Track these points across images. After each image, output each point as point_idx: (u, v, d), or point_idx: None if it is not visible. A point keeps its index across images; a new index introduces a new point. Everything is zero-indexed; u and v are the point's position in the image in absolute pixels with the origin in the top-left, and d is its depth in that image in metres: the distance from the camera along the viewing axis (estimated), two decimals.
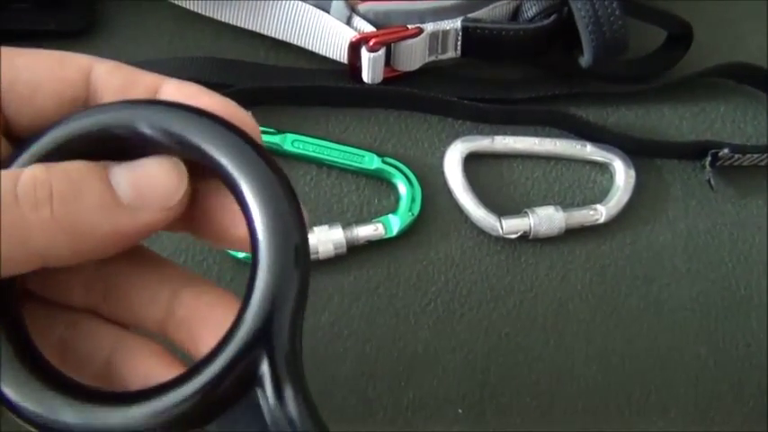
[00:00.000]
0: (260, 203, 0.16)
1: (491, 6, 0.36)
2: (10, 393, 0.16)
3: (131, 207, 0.17)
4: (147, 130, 0.16)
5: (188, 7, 0.36)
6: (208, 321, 0.18)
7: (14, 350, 0.16)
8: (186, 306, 0.19)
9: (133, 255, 0.19)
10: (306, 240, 0.16)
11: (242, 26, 0.37)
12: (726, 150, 0.37)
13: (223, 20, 0.37)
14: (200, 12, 0.36)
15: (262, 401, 0.16)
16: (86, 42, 0.37)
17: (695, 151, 0.38)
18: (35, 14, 0.36)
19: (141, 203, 0.17)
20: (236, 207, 0.17)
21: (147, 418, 0.15)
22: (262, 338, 0.16)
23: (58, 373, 0.16)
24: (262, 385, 0.16)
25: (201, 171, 0.17)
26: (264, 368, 0.16)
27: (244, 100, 0.37)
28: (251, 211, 0.16)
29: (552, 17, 0.35)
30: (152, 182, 0.17)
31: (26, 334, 0.17)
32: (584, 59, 0.36)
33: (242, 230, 0.17)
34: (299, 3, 0.36)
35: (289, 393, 0.16)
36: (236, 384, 0.16)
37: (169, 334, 0.19)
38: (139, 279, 0.19)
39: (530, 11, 0.36)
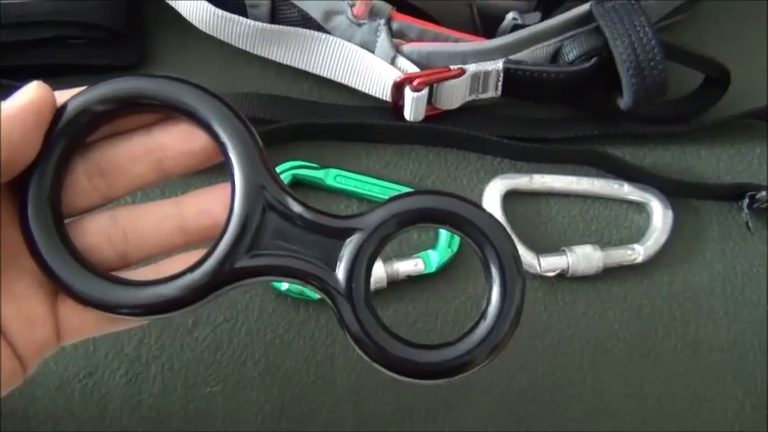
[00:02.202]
0: (230, 138, 0.21)
1: (532, 48, 0.37)
2: (73, 284, 0.20)
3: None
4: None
5: (236, 45, 0.37)
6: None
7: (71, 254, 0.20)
8: None
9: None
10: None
11: (288, 64, 0.38)
12: (764, 193, 0.37)
13: (270, 57, 0.38)
14: (246, 49, 0.38)
15: None
16: None
17: (732, 193, 0.39)
18: (91, 50, 0.37)
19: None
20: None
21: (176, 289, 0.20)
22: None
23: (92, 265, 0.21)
24: None
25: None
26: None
27: (288, 135, 0.39)
28: (227, 147, 0.21)
29: (593, 60, 0.36)
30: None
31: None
32: (624, 102, 0.36)
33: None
34: (345, 42, 0.37)
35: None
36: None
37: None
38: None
39: (571, 54, 0.36)
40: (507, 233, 0.22)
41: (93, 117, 0.21)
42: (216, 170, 0.24)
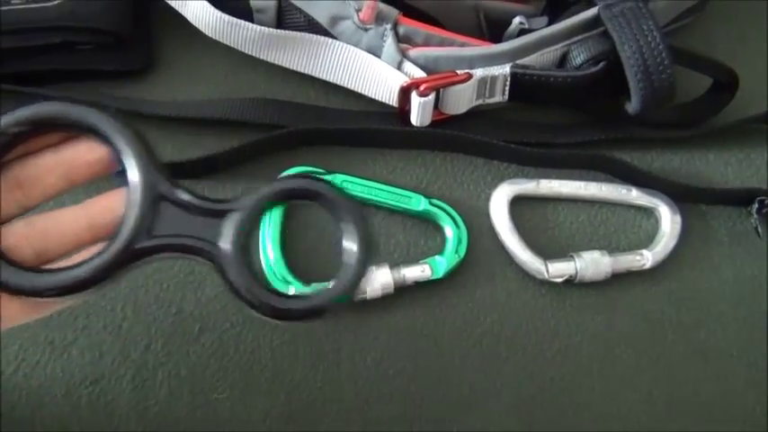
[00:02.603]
0: (125, 146, 0.25)
1: (539, 53, 0.37)
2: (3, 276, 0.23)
3: None
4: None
5: (243, 50, 0.37)
6: None
7: None
8: None
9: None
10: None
11: (294, 69, 0.38)
12: None
13: (276, 62, 0.38)
14: (253, 54, 0.37)
15: None
16: (145, 81, 0.39)
17: (741, 198, 0.39)
18: (98, 55, 0.37)
19: None
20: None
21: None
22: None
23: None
24: None
25: None
26: None
27: (294, 141, 0.38)
28: (122, 154, 0.25)
29: (600, 65, 0.36)
30: None
31: None
32: (632, 106, 0.36)
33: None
34: (351, 47, 0.36)
35: None
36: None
37: None
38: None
39: (578, 58, 0.36)
40: (353, 201, 0.27)
41: (10, 138, 0.25)
42: None
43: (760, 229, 0.37)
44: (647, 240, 0.38)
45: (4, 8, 0.36)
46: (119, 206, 0.25)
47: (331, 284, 0.26)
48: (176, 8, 0.37)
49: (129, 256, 0.24)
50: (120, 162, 0.25)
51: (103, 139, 0.25)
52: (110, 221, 0.25)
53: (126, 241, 0.24)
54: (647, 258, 0.37)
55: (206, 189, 0.37)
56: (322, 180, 0.27)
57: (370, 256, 0.26)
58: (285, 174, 0.36)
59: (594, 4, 0.36)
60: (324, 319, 0.26)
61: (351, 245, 0.26)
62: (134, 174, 0.24)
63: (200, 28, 0.37)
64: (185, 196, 0.25)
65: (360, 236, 0.26)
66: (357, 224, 0.26)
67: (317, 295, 0.26)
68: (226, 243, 0.25)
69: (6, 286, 0.24)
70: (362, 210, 0.27)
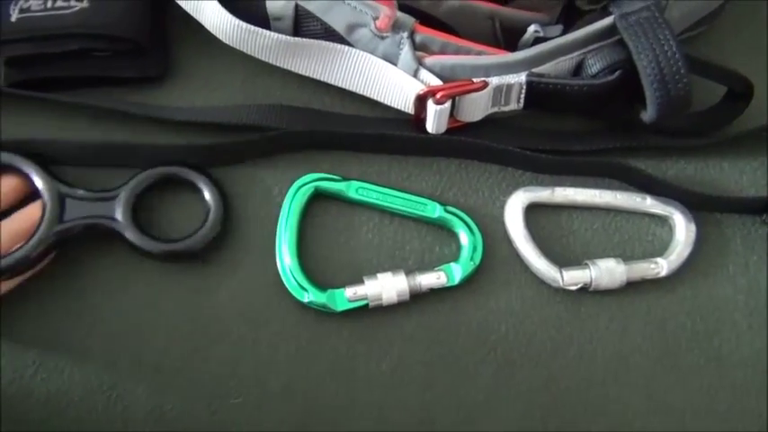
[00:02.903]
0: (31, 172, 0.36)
1: (555, 61, 0.37)
2: None
3: None
4: None
5: (259, 58, 0.37)
6: None
7: None
8: None
9: None
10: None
11: (311, 76, 0.38)
12: None
13: (292, 70, 0.38)
14: (269, 61, 0.38)
15: None
16: (162, 88, 0.39)
17: (756, 206, 0.39)
18: (115, 62, 0.38)
19: None
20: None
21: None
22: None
23: None
24: None
25: None
26: None
27: (309, 140, 0.39)
28: (32, 177, 0.36)
29: (616, 73, 0.36)
30: None
31: None
32: (648, 115, 0.36)
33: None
34: (368, 55, 0.37)
35: None
36: None
37: None
38: None
39: (594, 67, 0.36)
40: (210, 180, 0.37)
41: None
42: None
43: None
44: (662, 248, 0.38)
45: (23, 15, 0.36)
46: (35, 213, 0.35)
47: (199, 233, 0.36)
48: (193, 15, 0.37)
49: (51, 239, 0.35)
50: (32, 182, 0.36)
51: (19, 171, 0.36)
52: (32, 225, 0.34)
53: (45, 227, 0.35)
54: (661, 266, 0.37)
55: (222, 180, 0.37)
56: (188, 166, 0.37)
57: (221, 218, 0.36)
58: (298, 182, 0.37)
59: (610, 14, 0.36)
60: (193, 261, 0.36)
61: (212, 210, 0.36)
62: (41, 185, 0.35)
63: (216, 35, 0.37)
64: (81, 192, 0.36)
65: (216, 205, 0.36)
66: (214, 196, 0.36)
67: (188, 240, 0.36)
68: (119, 215, 0.35)
69: None
70: (217, 188, 0.36)
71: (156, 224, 0.37)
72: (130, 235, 0.35)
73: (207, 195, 0.36)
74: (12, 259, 0.34)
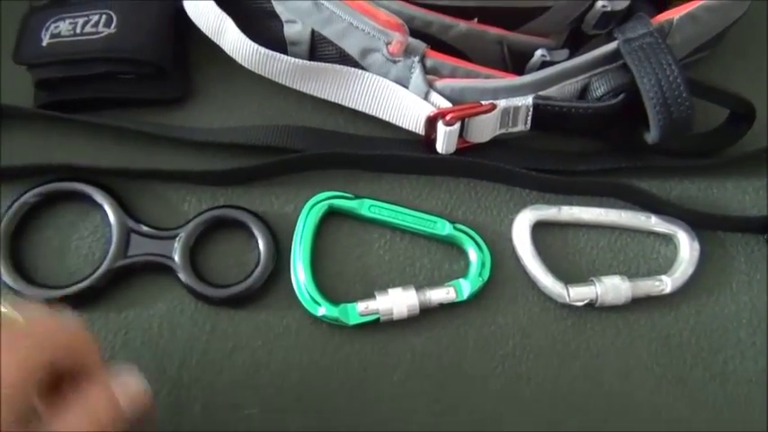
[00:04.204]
0: (107, 203, 0.38)
1: (561, 85, 0.38)
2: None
3: None
4: None
5: (277, 81, 0.39)
6: None
7: None
8: None
9: None
10: None
11: (325, 98, 0.40)
12: None
13: (308, 92, 0.39)
14: (286, 84, 0.39)
15: None
16: (183, 109, 0.41)
17: (759, 225, 0.39)
18: (139, 85, 0.40)
19: None
20: None
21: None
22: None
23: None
24: None
25: None
26: None
27: (324, 162, 0.40)
28: (104, 207, 0.38)
29: (620, 97, 0.37)
30: None
31: None
32: (651, 136, 0.37)
33: None
34: (380, 78, 0.38)
35: None
36: None
37: None
38: None
39: (598, 90, 0.38)
40: (264, 223, 0.38)
41: (30, 207, 0.37)
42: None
43: None
44: (667, 266, 0.39)
45: (53, 40, 0.38)
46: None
47: (250, 280, 0.37)
48: (214, 40, 0.39)
49: (114, 272, 0.36)
50: (104, 213, 0.37)
51: (92, 200, 0.38)
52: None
53: (110, 260, 0.36)
54: (666, 284, 0.38)
55: (240, 198, 0.39)
56: (240, 208, 0.38)
57: (273, 261, 0.37)
58: (312, 200, 0.38)
59: (614, 39, 0.38)
60: (243, 306, 0.37)
61: (263, 252, 0.37)
62: (112, 219, 0.37)
63: (236, 59, 0.38)
64: (146, 229, 0.37)
65: (266, 246, 0.37)
66: (266, 238, 0.37)
67: (236, 287, 0.37)
68: (177, 255, 0.37)
69: (27, 298, 0.35)
70: (269, 230, 0.38)
71: (209, 263, 0.38)
72: (184, 277, 0.36)
73: (260, 243, 0.37)
74: (79, 288, 0.36)
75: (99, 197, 0.37)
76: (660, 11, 0.39)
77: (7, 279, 0.36)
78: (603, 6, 0.39)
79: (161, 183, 0.39)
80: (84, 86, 0.39)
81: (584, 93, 0.39)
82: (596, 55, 0.38)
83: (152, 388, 0.35)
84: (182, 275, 0.36)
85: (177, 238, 0.37)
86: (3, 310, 0.26)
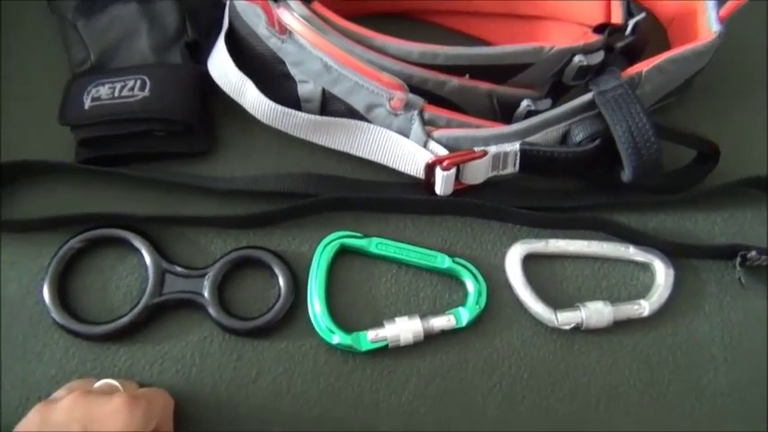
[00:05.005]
0: (143, 246, 0.43)
1: (544, 132, 0.42)
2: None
3: None
4: None
5: (291, 133, 0.44)
6: None
7: None
8: None
9: None
10: None
11: (335, 148, 0.44)
12: (753, 252, 0.42)
13: (319, 143, 0.44)
14: (301, 137, 0.44)
15: None
16: (208, 161, 0.45)
17: (727, 253, 0.44)
18: (169, 140, 0.44)
19: None
20: None
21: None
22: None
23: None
24: None
25: None
26: None
27: (335, 205, 0.45)
28: (141, 250, 0.43)
29: (597, 141, 0.41)
30: None
31: None
32: (626, 176, 0.42)
33: None
34: (384, 129, 0.43)
35: None
36: None
37: None
38: None
39: (577, 136, 0.42)
40: (284, 262, 0.42)
41: (75, 252, 0.42)
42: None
43: (743, 280, 0.42)
44: (645, 291, 0.43)
45: (94, 103, 0.43)
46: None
47: (271, 313, 0.41)
48: (235, 99, 0.43)
49: (151, 309, 0.41)
50: (141, 256, 0.42)
51: (130, 244, 0.42)
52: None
53: (147, 298, 0.41)
54: (644, 307, 0.42)
55: (261, 239, 0.43)
56: (261, 248, 0.43)
57: (292, 295, 0.41)
58: (325, 240, 0.43)
59: (590, 90, 0.42)
60: (266, 336, 0.41)
61: (282, 288, 0.41)
62: (149, 262, 0.41)
63: (255, 115, 0.43)
64: (179, 269, 0.42)
65: (286, 282, 0.41)
66: (285, 275, 0.42)
67: (259, 319, 0.41)
68: (206, 292, 0.41)
69: (75, 333, 0.40)
70: (288, 268, 0.42)
71: (235, 298, 0.42)
72: (213, 311, 0.40)
73: (281, 279, 0.41)
74: (120, 324, 0.40)
75: (136, 241, 0.42)
76: (632, 63, 0.44)
77: (56, 316, 0.40)
78: (580, 61, 0.43)
79: (191, 227, 0.43)
80: (121, 143, 0.43)
81: (565, 138, 0.43)
82: (574, 105, 0.42)
83: (185, 410, 0.39)
84: (211, 310, 0.40)
85: (206, 277, 0.41)
86: (113, 382, 0.36)
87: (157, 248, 0.42)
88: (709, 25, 0.45)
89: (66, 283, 0.42)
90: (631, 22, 0.45)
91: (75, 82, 0.44)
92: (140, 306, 0.40)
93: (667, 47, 0.49)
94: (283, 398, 0.40)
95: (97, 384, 0.36)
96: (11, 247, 0.42)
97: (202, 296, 0.41)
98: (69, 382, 0.37)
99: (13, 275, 0.42)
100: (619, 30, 0.45)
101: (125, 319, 0.40)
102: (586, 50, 0.44)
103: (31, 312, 0.41)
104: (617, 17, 0.46)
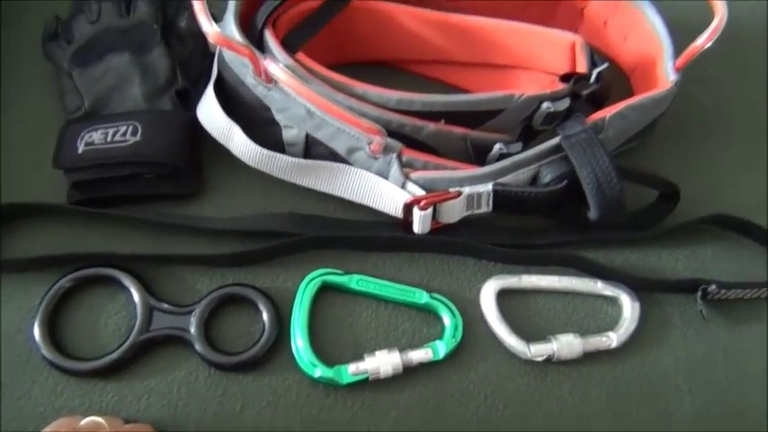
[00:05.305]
0: (132, 284, 0.45)
1: (515, 173, 0.45)
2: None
3: None
4: None
5: (275, 176, 0.46)
6: None
7: None
8: None
9: None
10: None
11: (318, 189, 0.46)
12: (713, 286, 0.45)
13: (303, 185, 0.46)
14: (285, 179, 0.46)
15: None
16: (196, 202, 0.47)
17: (689, 287, 0.46)
18: (158, 182, 0.46)
19: None
20: None
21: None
22: None
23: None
24: None
25: None
26: None
27: (317, 244, 0.46)
28: (130, 288, 0.44)
29: (564, 182, 0.44)
30: None
31: None
32: (591, 214, 0.44)
33: None
34: (364, 172, 0.45)
35: None
36: None
37: None
38: None
39: (546, 177, 0.45)
40: (268, 298, 0.44)
41: (65, 291, 0.43)
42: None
43: (704, 313, 0.45)
44: (613, 324, 0.45)
45: (88, 148, 0.45)
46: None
47: (256, 347, 0.42)
48: (222, 143, 0.46)
49: (138, 345, 0.42)
50: (129, 294, 0.43)
51: (119, 283, 0.43)
52: None
53: (135, 335, 0.42)
54: (612, 339, 0.44)
55: (246, 276, 0.45)
56: (246, 285, 0.44)
57: (276, 331, 0.42)
58: (308, 277, 0.44)
59: (557, 135, 0.45)
60: (250, 370, 0.42)
61: (267, 323, 0.43)
62: (137, 299, 0.43)
63: (242, 159, 0.45)
64: (166, 306, 0.43)
65: (270, 318, 0.43)
66: (269, 311, 0.43)
67: (244, 354, 0.42)
68: (193, 328, 0.42)
69: (64, 370, 0.41)
70: (272, 304, 0.44)
71: (221, 334, 0.43)
72: (199, 347, 0.42)
73: (265, 315, 0.43)
74: (108, 360, 0.41)
75: (125, 280, 0.43)
76: (597, 109, 0.47)
77: (46, 353, 0.41)
78: (548, 107, 0.46)
79: (178, 265, 0.45)
80: (112, 185, 0.45)
81: (535, 179, 0.46)
82: (543, 148, 0.45)
83: None
84: (197, 346, 0.42)
85: (193, 313, 0.43)
86: (99, 420, 0.38)
87: (146, 286, 0.43)
88: (666, 75, 0.48)
89: (56, 321, 0.43)
90: (595, 72, 0.48)
91: (70, 127, 0.46)
92: (128, 343, 0.42)
93: (631, 94, 0.52)
94: (267, 431, 0.41)
95: (83, 422, 0.37)
96: (3, 285, 0.44)
97: (189, 332, 0.42)
98: (56, 420, 0.38)
99: (5, 313, 0.43)
100: (584, 78, 0.48)
101: (113, 356, 0.41)
102: (554, 98, 0.47)
103: (21, 350, 0.42)
104: (582, 67, 0.49)
